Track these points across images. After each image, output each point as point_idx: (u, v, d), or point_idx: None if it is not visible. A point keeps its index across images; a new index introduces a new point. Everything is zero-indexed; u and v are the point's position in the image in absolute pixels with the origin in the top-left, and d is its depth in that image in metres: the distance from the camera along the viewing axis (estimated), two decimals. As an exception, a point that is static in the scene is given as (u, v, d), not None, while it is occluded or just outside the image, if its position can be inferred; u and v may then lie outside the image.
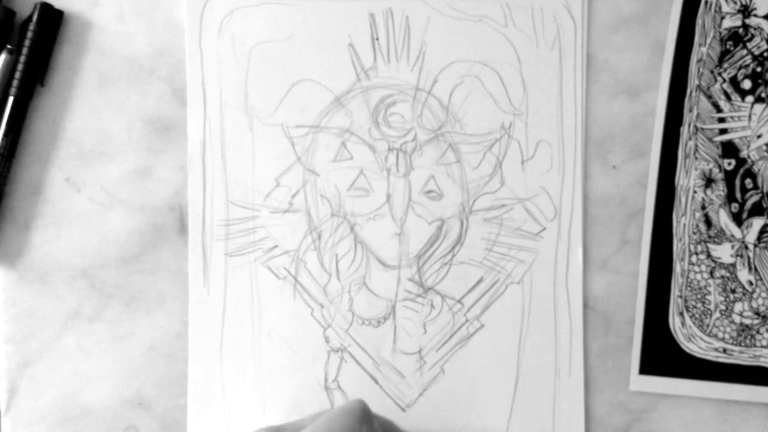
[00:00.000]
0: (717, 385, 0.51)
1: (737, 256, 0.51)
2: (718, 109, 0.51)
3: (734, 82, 0.51)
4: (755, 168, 0.51)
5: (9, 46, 0.50)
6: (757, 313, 0.51)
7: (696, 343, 0.51)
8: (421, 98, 0.51)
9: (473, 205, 0.51)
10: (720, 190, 0.51)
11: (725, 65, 0.51)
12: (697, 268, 0.51)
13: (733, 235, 0.51)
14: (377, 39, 0.51)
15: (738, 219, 0.51)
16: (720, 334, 0.51)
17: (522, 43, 0.51)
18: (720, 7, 0.51)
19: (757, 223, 0.51)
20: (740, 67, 0.51)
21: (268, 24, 0.51)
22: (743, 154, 0.51)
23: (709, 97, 0.51)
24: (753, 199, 0.51)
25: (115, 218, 0.52)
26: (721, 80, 0.51)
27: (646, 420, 0.51)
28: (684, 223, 0.51)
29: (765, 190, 0.51)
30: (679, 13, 0.51)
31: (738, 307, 0.51)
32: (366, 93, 0.51)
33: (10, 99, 0.50)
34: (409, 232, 0.51)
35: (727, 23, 0.51)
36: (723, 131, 0.51)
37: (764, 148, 0.51)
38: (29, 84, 0.50)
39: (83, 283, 0.52)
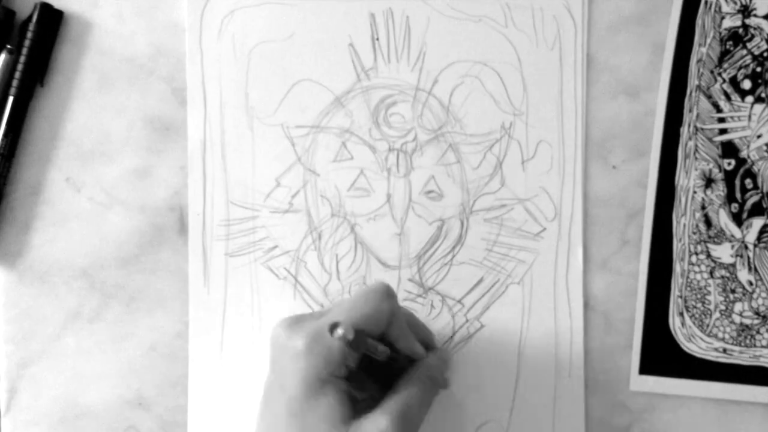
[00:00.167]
0: (717, 385, 0.51)
1: (737, 256, 0.51)
2: (718, 109, 0.51)
3: (734, 82, 0.51)
4: (755, 168, 0.51)
5: (9, 46, 0.50)
6: (757, 313, 0.51)
7: (696, 343, 0.51)
8: (422, 98, 0.51)
9: (473, 205, 0.51)
10: (720, 190, 0.51)
11: (725, 65, 0.51)
12: (697, 268, 0.51)
13: (733, 235, 0.51)
14: (377, 39, 0.51)
15: (738, 219, 0.51)
16: (720, 334, 0.51)
17: (522, 43, 0.51)
18: (720, 7, 0.51)
19: (757, 223, 0.51)
20: (740, 67, 0.51)
21: (269, 24, 0.51)
22: (743, 154, 0.51)
23: (709, 97, 0.51)
24: (753, 199, 0.51)
25: (115, 218, 0.52)
26: (721, 80, 0.51)
27: (646, 420, 0.51)
28: (684, 223, 0.51)
29: (765, 190, 0.51)
30: (679, 13, 0.51)
31: (738, 307, 0.51)
32: (366, 93, 0.51)
33: (10, 99, 0.50)
34: (410, 233, 0.51)
35: (727, 23, 0.51)
36: (723, 131, 0.51)
37: (764, 148, 0.51)
38: (29, 84, 0.50)
39: (83, 283, 0.52)
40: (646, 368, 0.51)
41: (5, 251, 0.51)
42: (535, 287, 0.51)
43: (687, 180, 0.51)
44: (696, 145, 0.51)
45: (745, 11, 0.51)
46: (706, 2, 0.51)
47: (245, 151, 0.51)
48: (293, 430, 0.39)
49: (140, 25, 0.51)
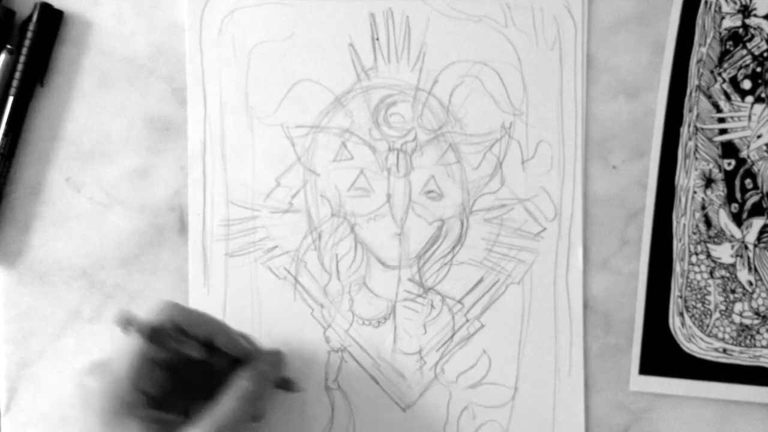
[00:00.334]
0: (717, 385, 0.51)
1: (737, 256, 0.51)
2: (718, 109, 0.51)
3: (734, 82, 0.51)
4: (755, 168, 0.51)
5: (9, 46, 0.50)
6: (757, 313, 0.51)
7: (696, 344, 0.51)
8: (422, 98, 0.51)
9: (473, 205, 0.51)
10: (720, 190, 0.51)
11: (725, 65, 0.51)
12: (697, 269, 0.51)
13: (733, 236, 0.51)
14: (377, 39, 0.51)
15: (738, 219, 0.51)
16: (720, 335, 0.51)
17: (522, 43, 0.51)
18: (720, 7, 0.51)
19: (757, 223, 0.51)
20: (740, 67, 0.51)
21: (269, 24, 0.51)
22: (743, 154, 0.51)
23: (709, 97, 0.51)
24: (753, 199, 0.51)
25: (115, 218, 0.52)
26: (721, 80, 0.51)
27: (646, 420, 0.51)
28: (684, 223, 0.51)
29: (765, 190, 0.51)
30: (679, 13, 0.51)
31: (738, 307, 0.51)
32: (366, 93, 0.51)
33: (10, 99, 0.50)
34: (410, 233, 0.51)
35: (727, 23, 0.51)
36: (723, 131, 0.51)
37: (764, 148, 0.51)
38: (29, 84, 0.50)
39: (83, 283, 0.52)
40: (646, 368, 0.51)
41: (5, 251, 0.51)
42: (535, 287, 0.51)
43: (687, 180, 0.51)
44: (696, 145, 0.51)
45: (745, 11, 0.51)
46: (706, 2, 0.51)
47: (245, 151, 0.51)
48: None
49: (140, 25, 0.51)
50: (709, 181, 0.51)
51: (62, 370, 0.51)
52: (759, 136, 0.51)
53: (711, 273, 0.51)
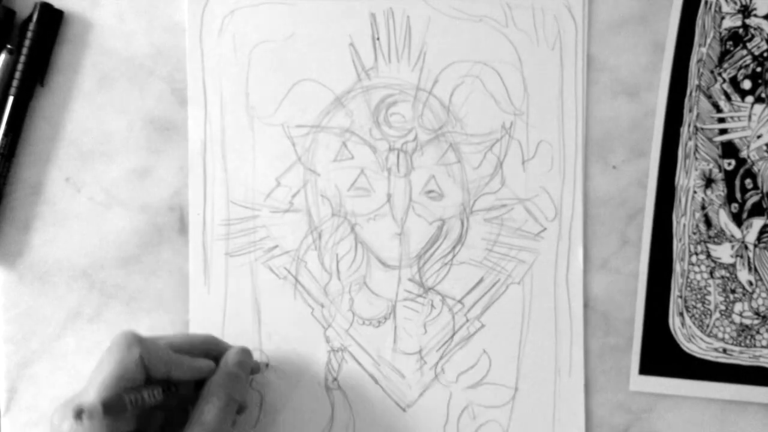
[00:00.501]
0: (717, 385, 0.51)
1: (737, 256, 0.51)
2: (718, 109, 0.51)
3: (734, 82, 0.51)
4: (755, 168, 0.51)
5: (9, 46, 0.50)
6: (757, 314, 0.51)
7: (696, 344, 0.51)
8: (422, 98, 0.51)
9: (474, 205, 0.51)
10: (720, 190, 0.51)
11: (725, 65, 0.51)
12: (697, 269, 0.51)
13: (733, 236, 0.51)
14: (378, 39, 0.51)
15: (738, 219, 0.51)
16: (720, 335, 0.51)
17: (523, 43, 0.51)
18: (720, 8, 0.51)
19: (757, 223, 0.51)
20: (740, 68, 0.51)
21: (269, 24, 0.51)
22: (743, 154, 0.51)
23: (709, 97, 0.51)
24: (753, 199, 0.51)
25: (115, 218, 0.52)
26: (721, 80, 0.51)
27: (646, 420, 0.51)
28: (684, 224, 0.51)
29: (765, 190, 0.51)
30: (679, 13, 0.51)
31: (738, 307, 0.51)
32: (367, 93, 0.51)
33: (10, 99, 0.50)
34: (410, 232, 0.51)
35: (727, 23, 0.51)
36: (723, 131, 0.51)
37: (764, 148, 0.51)
38: (29, 84, 0.50)
39: (83, 283, 0.51)
40: (646, 368, 0.51)
41: (5, 251, 0.51)
42: (535, 287, 0.51)
43: (687, 180, 0.51)
44: (696, 145, 0.51)
45: (745, 11, 0.51)
46: (706, 2, 0.51)
47: (245, 150, 0.51)
48: None
49: (140, 25, 0.51)
50: (709, 181, 0.51)
51: (62, 370, 0.51)
52: (759, 136, 0.51)
53: (711, 273, 0.51)
